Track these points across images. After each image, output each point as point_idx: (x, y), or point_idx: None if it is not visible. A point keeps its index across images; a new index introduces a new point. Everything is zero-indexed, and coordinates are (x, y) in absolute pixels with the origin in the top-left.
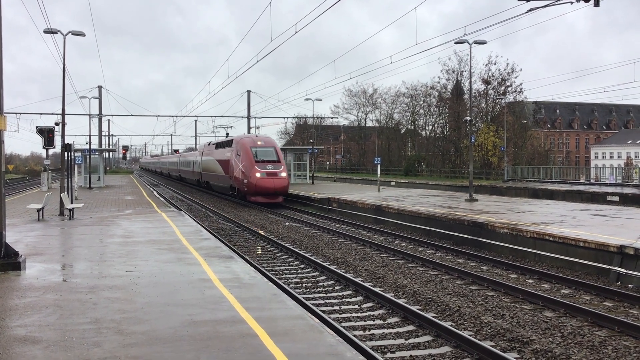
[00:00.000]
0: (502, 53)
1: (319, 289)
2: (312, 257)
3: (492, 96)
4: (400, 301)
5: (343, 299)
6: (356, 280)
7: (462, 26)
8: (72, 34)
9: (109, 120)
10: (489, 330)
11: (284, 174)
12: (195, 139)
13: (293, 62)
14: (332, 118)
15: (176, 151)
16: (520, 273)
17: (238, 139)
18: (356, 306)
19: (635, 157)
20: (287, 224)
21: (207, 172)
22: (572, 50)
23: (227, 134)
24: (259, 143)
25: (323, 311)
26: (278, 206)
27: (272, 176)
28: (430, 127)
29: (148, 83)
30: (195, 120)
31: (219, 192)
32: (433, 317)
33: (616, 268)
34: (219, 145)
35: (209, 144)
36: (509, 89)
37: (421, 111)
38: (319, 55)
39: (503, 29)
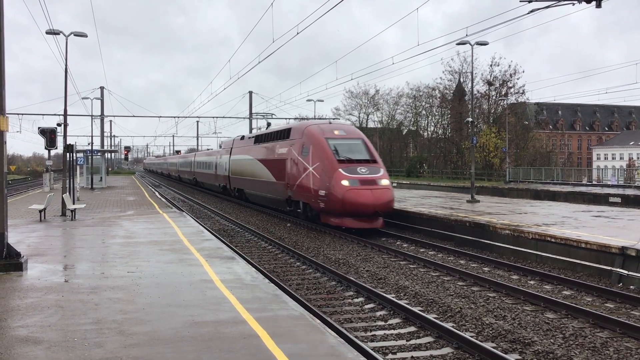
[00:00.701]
0: (506, 53)
1: (320, 290)
2: (313, 258)
3: (494, 97)
4: (401, 302)
5: (344, 300)
6: (358, 281)
7: (464, 27)
8: (75, 35)
9: (110, 121)
10: (491, 332)
11: (385, 182)
12: (198, 139)
13: (295, 63)
14: (333, 119)
15: (178, 152)
16: (522, 274)
17: (301, 128)
18: (357, 307)
19: (637, 158)
20: (289, 225)
21: (240, 177)
22: (575, 51)
23: (269, 124)
24: (336, 133)
25: (324, 312)
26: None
27: (368, 185)
28: (432, 128)
29: (149, 83)
30: (197, 121)
31: (263, 206)
32: (434, 318)
33: (618, 269)
34: (262, 138)
35: (241, 138)
36: (511, 90)
37: (423, 112)
38: (322, 56)
39: (507, 30)
